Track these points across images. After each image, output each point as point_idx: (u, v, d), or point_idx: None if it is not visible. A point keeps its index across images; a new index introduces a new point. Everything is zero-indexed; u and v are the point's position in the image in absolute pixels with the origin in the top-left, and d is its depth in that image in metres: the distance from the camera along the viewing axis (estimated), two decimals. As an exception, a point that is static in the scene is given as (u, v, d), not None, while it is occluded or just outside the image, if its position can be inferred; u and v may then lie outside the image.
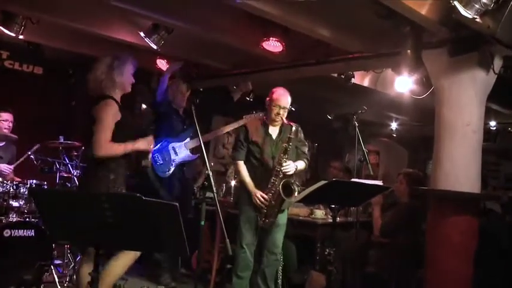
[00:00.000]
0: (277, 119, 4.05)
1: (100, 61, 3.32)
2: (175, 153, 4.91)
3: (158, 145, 4.84)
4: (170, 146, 4.95)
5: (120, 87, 3.33)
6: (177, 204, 2.11)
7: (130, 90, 3.42)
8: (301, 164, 4.08)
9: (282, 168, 3.90)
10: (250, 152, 4.05)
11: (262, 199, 3.90)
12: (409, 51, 3.88)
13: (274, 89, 4.14)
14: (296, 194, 3.83)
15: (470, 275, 3.85)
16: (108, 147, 3.12)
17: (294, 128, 3.97)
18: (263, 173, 3.99)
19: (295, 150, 4.12)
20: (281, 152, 3.93)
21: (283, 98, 4.06)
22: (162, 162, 4.81)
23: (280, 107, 4.02)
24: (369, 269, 4.62)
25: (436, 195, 4.01)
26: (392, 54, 4.34)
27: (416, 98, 4.89)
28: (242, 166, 4.05)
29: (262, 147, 4.02)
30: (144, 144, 3.33)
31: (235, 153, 4.12)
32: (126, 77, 3.34)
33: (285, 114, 4.07)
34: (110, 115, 3.17)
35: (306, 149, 4.20)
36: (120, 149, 3.19)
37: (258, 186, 3.97)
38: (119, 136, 3.19)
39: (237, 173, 4.14)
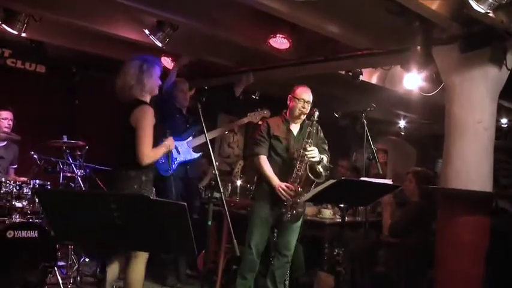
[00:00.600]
0: (301, 116, 4.06)
1: (128, 65, 3.35)
2: (178, 152, 4.90)
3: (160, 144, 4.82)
4: None
5: (149, 91, 3.37)
6: (185, 204, 2.12)
7: (157, 92, 3.46)
8: (324, 157, 4.01)
9: (307, 153, 3.83)
10: (272, 147, 4.02)
11: (288, 190, 3.81)
12: (418, 47, 3.88)
13: (295, 87, 4.16)
14: (323, 174, 3.80)
15: (481, 275, 3.84)
16: (152, 155, 3.24)
17: (317, 113, 3.98)
18: (285, 169, 3.95)
19: (317, 147, 4.07)
20: (305, 136, 3.90)
21: (306, 93, 4.09)
22: (164, 161, 4.75)
23: (304, 101, 4.04)
24: (378, 269, 4.63)
25: (446, 193, 4.00)
26: (402, 51, 4.34)
27: (426, 95, 4.88)
28: (265, 160, 4.00)
29: (285, 143, 4.01)
30: (172, 144, 3.45)
31: (257, 148, 4.03)
32: (154, 80, 3.38)
33: (308, 109, 4.07)
34: (150, 122, 3.24)
35: (326, 147, 4.17)
36: (159, 153, 3.33)
37: (280, 180, 3.91)
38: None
39: (259, 167, 4.01)
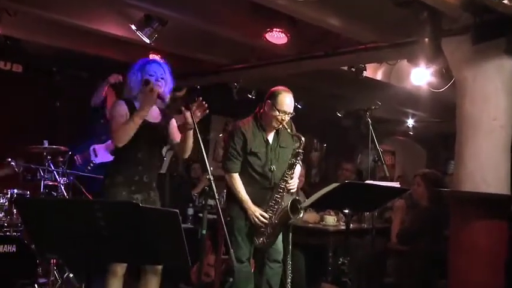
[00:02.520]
0: (279, 127, 3.89)
1: None
2: (95, 154, 5.15)
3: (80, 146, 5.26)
4: (91, 147, 5.29)
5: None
6: (177, 211, 2.11)
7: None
8: (298, 170, 3.96)
9: (288, 186, 3.82)
10: (247, 163, 3.89)
11: (262, 218, 3.79)
12: (426, 39, 3.86)
13: (275, 89, 3.88)
14: (302, 214, 3.79)
15: (501, 286, 3.82)
16: (119, 131, 3.36)
17: (303, 139, 3.77)
18: (261, 187, 3.90)
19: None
20: (287, 168, 3.82)
21: (288, 102, 3.81)
22: (81, 162, 5.20)
23: (286, 113, 3.81)
24: (387, 280, 4.63)
25: (459, 197, 3.99)
26: (408, 44, 4.34)
27: (435, 91, 4.89)
28: (238, 180, 3.88)
29: (263, 158, 3.89)
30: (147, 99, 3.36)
31: (229, 164, 3.88)
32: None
33: (287, 119, 3.85)
34: (115, 111, 3.45)
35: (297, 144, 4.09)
36: (127, 124, 3.33)
37: (255, 201, 3.86)
38: None
39: (231, 186, 3.91)
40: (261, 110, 3.94)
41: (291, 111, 3.85)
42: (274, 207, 3.82)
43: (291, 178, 3.83)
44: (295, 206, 3.76)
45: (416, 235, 4.44)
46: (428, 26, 3.87)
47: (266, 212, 3.82)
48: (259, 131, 3.91)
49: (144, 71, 3.43)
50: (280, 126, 3.85)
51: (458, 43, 4.01)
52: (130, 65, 3.52)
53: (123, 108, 3.37)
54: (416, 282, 4.38)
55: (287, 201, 3.76)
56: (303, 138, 3.79)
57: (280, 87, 3.90)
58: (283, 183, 3.81)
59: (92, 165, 5.10)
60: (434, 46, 3.89)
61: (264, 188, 3.90)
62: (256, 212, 3.81)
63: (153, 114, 3.50)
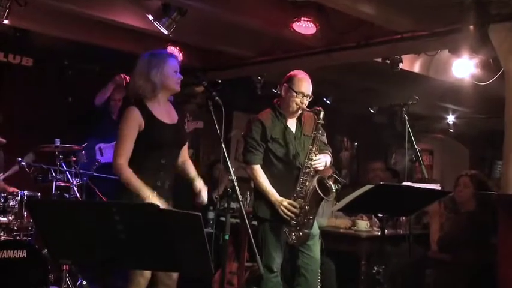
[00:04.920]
0: (299, 111, 3.92)
1: (136, 64, 3.41)
2: (101, 154, 5.28)
3: (85, 144, 5.32)
4: (97, 146, 5.47)
5: (163, 88, 3.40)
6: (200, 214, 2.12)
7: (178, 89, 3.48)
8: (328, 159, 3.96)
9: (313, 163, 3.79)
10: (270, 152, 3.91)
11: (291, 207, 3.76)
12: (471, 27, 3.82)
13: (292, 73, 3.95)
14: (334, 190, 3.73)
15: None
16: (121, 170, 3.34)
17: (322, 114, 3.82)
18: (287, 176, 3.89)
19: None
20: (309, 143, 3.83)
21: (306, 84, 3.89)
22: (86, 160, 5.21)
23: (303, 95, 3.87)
24: (426, 292, 4.58)
25: (508, 201, 3.93)
26: (450, 32, 4.30)
27: (480, 84, 4.82)
28: (260, 171, 3.89)
29: (285, 145, 3.92)
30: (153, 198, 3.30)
31: (249, 156, 3.90)
32: (166, 75, 3.38)
33: (307, 103, 3.91)
34: (127, 127, 3.37)
35: (325, 139, 4.05)
36: (131, 181, 3.30)
37: (281, 193, 3.84)
38: None
39: (254, 180, 3.93)
40: (279, 99, 4.00)
41: (309, 93, 3.90)
42: (302, 192, 3.78)
43: (315, 155, 3.81)
44: (323, 184, 3.73)
45: (460, 243, 4.37)
46: (474, 11, 3.81)
47: (295, 201, 3.78)
48: (278, 120, 3.95)
49: (169, 66, 3.38)
50: (300, 110, 3.90)
51: (508, 30, 3.95)
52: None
53: (136, 121, 3.29)
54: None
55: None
56: (322, 111, 3.82)
57: (296, 71, 3.98)
58: (308, 162, 3.79)
59: (97, 164, 5.17)
60: (480, 34, 3.83)
61: (290, 178, 3.87)
62: (283, 201, 3.78)
63: (169, 113, 3.47)
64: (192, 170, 3.61)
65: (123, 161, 3.25)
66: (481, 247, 4.37)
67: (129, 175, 3.23)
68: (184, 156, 3.63)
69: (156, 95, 3.36)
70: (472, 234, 4.37)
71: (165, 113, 3.43)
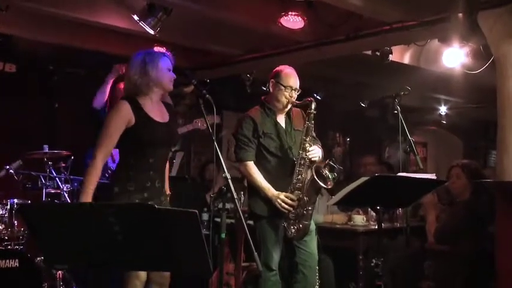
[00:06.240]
0: (288, 105, 3.98)
1: (129, 62, 3.43)
2: (113, 161, 5.08)
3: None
4: None
5: (157, 84, 3.42)
6: (196, 211, 2.14)
7: (171, 87, 3.50)
8: (320, 150, 4.00)
9: (308, 154, 3.82)
10: (262, 147, 3.95)
11: (288, 200, 3.79)
12: (460, 14, 3.83)
13: (278, 68, 4.02)
14: (331, 177, 3.76)
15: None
16: (93, 163, 3.37)
17: (314, 104, 3.87)
18: (281, 171, 3.93)
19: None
20: (302, 134, 3.87)
21: (294, 78, 3.96)
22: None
23: (291, 89, 3.92)
24: (425, 284, 4.61)
25: (505, 188, 3.96)
26: (439, 21, 4.32)
27: (471, 73, 4.86)
28: (253, 167, 3.93)
29: (278, 139, 3.96)
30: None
31: (242, 153, 3.95)
32: (161, 71, 3.41)
33: (296, 96, 3.96)
34: (111, 120, 3.39)
35: (314, 134, 4.05)
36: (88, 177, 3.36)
37: (276, 188, 3.87)
38: None
39: (248, 176, 3.97)
40: (267, 96, 4.06)
41: (297, 86, 3.97)
42: (299, 183, 3.81)
43: (310, 145, 3.85)
44: (320, 174, 3.76)
45: (456, 233, 4.41)
46: (462, -2, 3.84)
47: (292, 193, 3.81)
48: (268, 116, 4.00)
49: (160, 64, 3.40)
50: (290, 104, 3.96)
51: (497, 16, 3.96)
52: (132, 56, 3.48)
53: (125, 117, 3.31)
54: (460, 285, 4.36)
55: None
56: (313, 101, 3.88)
57: (282, 66, 4.04)
58: (303, 153, 3.83)
59: (109, 172, 4.96)
60: (470, 22, 3.85)
61: (285, 173, 3.90)
62: (280, 195, 3.81)
63: (161, 112, 3.49)
64: (165, 184, 3.61)
65: (101, 155, 3.28)
66: (479, 236, 4.42)
67: (94, 172, 3.26)
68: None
69: (150, 91, 3.38)
70: (469, 224, 4.41)
71: (157, 111, 3.44)
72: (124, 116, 3.29)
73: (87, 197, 3.21)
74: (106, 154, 3.31)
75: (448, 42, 4.16)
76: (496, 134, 4.10)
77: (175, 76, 3.47)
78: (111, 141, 3.30)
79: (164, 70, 3.41)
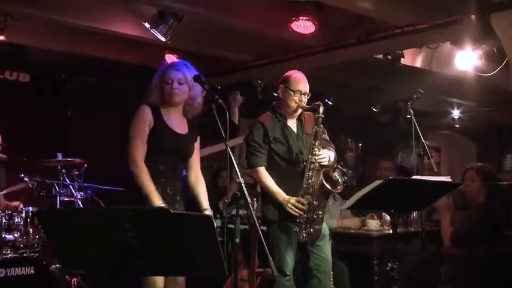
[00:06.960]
0: (298, 110, 3.99)
1: None
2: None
3: None
4: None
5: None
6: (211, 215, 2.15)
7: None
8: (332, 154, 4.01)
9: (317, 158, 3.84)
10: (273, 152, 3.98)
11: (299, 204, 3.80)
12: (473, 16, 3.81)
13: (287, 74, 4.06)
14: (340, 181, 3.76)
15: None
16: (135, 168, 3.46)
17: (322, 108, 3.90)
18: (292, 175, 3.94)
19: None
20: (312, 137, 3.89)
21: (303, 82, 3.98)
22: None
23: (301, 93, 3.95)
24: (442, 288, 4.58)
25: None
26: (451, 24, 4.30)
27: (485, 76, 4.84)
28: (265, 173, 3.96)
29: (287, 144, 3.98)
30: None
31: (253, 159, 3.97)
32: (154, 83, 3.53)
33: (306, 101, 3.98)
34: (135, 125, 3.51)
35: (327, 137, 4.11)
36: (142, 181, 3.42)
37: (288, 193, 3.89)
38: None
39: (260, 182, 4.00)
40: (278, 102, 4.09)
41: (307, 91, 3.99)
42: (309, 188, 3.83)
43: (319, 149, 3.86)
44: (329, 178, 3.77)
45: (473, 236, 4.37)
46: (474, 0, 3.81)
47: (302, 197, 3.83)
48: (279, 121, 4.03)
49: (162, 78, 3.47)
50: (300, 109, 3.97)
51: (510, 18, 3.94)
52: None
53: (145, 118, 3.41)
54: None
55: None
56: (321, 106, 3.90)
57: (291, 71, 4.08)
58: (313, 157, 3.84)
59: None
60: (483, 23, 3.83)
61: (296, 177, 3.91)
62: (291, 199, 3.83)
63: (180, 123, 3.55)
64: (203, 199, 3.60)
65: (139, 158, 3.36)
66: (495, 240, 4.38)
67: (144, 175, 3.34)
68: (196, 175, 3.68)
69: (166, 103, 3.48)
70: (484, 227, 4.36)
71: (175, 121, 3.51)
72: (145, 117, 3.41)
73: (154, 195, 3.30)
74: (142, 153, 3.39)
75: (460, 44, 4.13)
76: (509, 137, 4.07)
77: (176, 87, 3.45)
78: (141, 140, 3.39)
79: (161, 85, 3.47)
